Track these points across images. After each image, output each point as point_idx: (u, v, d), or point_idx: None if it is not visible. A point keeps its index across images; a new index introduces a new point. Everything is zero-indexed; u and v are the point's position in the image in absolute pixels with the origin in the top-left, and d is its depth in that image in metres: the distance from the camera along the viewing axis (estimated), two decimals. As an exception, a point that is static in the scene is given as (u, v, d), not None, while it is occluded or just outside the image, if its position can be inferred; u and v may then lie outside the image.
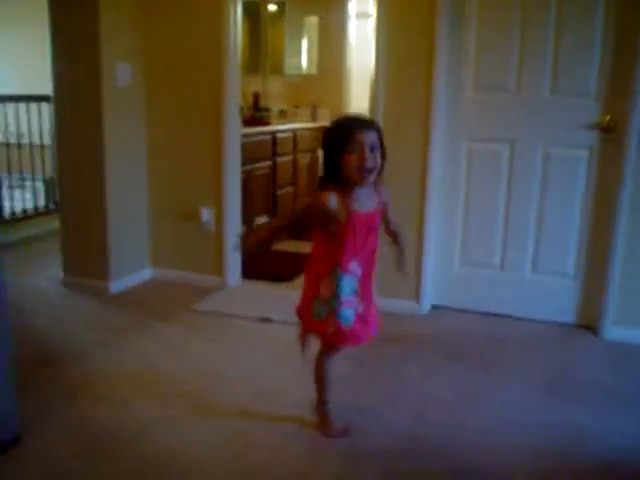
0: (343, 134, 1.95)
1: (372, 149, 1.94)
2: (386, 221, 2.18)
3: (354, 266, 2.06)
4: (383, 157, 2.00)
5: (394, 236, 2.22)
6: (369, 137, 1.94)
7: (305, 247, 4.83)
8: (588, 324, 3.28)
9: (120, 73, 3.58)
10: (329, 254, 2.06)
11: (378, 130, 2.00)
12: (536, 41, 3.14)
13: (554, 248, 3.31)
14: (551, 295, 3.35)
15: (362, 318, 2.12)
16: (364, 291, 2.13)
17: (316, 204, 2.01)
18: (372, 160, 1.94)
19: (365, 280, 2.12)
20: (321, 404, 2.27)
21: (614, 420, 2.42)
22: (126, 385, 2.61)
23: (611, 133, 3.09)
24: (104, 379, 2.65)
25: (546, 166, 3.25)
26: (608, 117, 3.08)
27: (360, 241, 2.04)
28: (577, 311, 3.32)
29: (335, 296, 2.06)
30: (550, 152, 3.23)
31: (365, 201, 2.03)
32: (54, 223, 4.05)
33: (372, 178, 1.99)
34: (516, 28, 3.16)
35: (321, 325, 2.11)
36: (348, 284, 2.07)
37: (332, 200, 1.97)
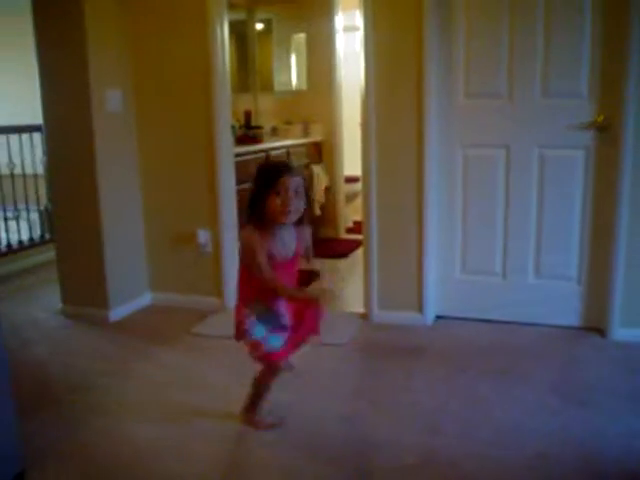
0: (272, 176, 2.13)
1: (297, 193, 2.11)
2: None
3: (280, 304, 2.22)
4: (307, 204, 2.19)
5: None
6: (295, 182, 2.12)
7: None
8: (595, 326, 3.24)
9: (110, 100, 3.56)
10: (254, 288, 2.20)
11: (303, 178, 2.19)
12: (525, 45, 3.13)
13: (556, 251, 3.28)
14: (556, 299, 3.31)
15: (290, 342, 2.27)
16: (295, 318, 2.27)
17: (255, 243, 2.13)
18: (296, 203, 2.11)
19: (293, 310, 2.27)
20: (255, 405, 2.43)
21: (630, 421, 2.38)
22: (129, 415, 2.56)
23: (606, 132, 3.07)
24: (107, 410, 2.60)
25: (543, 169, 3.22)
26: (602, 116, 3.06)
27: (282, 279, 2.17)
28: (583, 313, 3.28)
29: (264, 325, 2.22)
30: (546, 155, 3.21)
31: (285, 241, 2.18)
32: (51, 253, 4.02)
33: (293, 219, 2.14)
34: (505, 33, 3.15)
35: (258, 345, 2.24)
36: (275, 319, 2.23)
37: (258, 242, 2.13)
